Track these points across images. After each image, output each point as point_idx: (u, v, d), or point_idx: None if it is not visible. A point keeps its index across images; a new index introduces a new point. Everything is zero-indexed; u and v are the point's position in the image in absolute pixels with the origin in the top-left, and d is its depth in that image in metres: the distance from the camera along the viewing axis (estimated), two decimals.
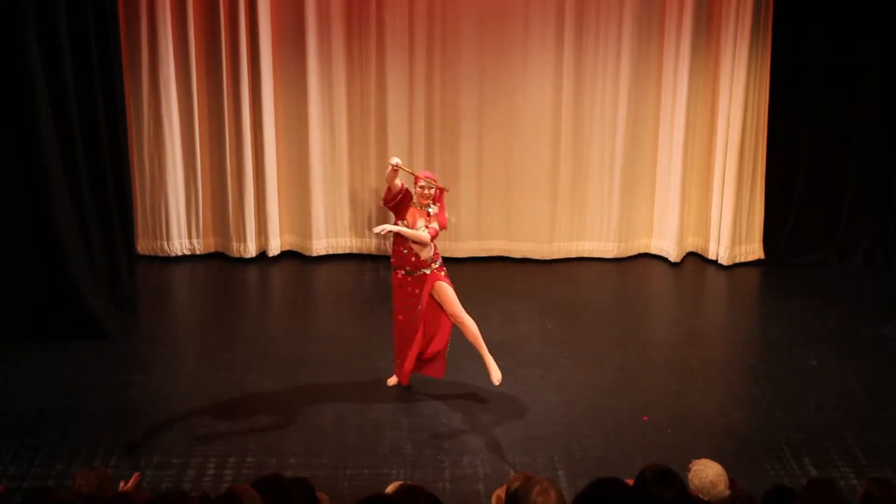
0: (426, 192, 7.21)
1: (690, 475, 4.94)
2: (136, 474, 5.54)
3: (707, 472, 4.92)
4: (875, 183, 10.35)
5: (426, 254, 7.24)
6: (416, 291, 7.29)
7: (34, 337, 8.28)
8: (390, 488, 4.79)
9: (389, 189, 7.21)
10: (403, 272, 7.30)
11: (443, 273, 7.35)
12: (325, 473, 6.52)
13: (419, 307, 7.31)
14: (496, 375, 7.27)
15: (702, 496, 4.88)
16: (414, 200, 7.26)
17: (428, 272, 7.28)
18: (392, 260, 7.37)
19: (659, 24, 10.03)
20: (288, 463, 6.67)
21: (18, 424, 7.13)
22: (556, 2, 9.92)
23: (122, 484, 5.37)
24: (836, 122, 10.20)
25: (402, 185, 7.24)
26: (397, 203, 7.24)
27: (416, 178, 7.23)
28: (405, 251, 7.23)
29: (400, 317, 7.39)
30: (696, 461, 5.01)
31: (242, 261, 10.32)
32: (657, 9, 9.99)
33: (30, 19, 7.80)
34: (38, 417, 7.22)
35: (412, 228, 7.18)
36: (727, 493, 4.91)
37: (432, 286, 7.29)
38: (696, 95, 10.07)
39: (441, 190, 7.29)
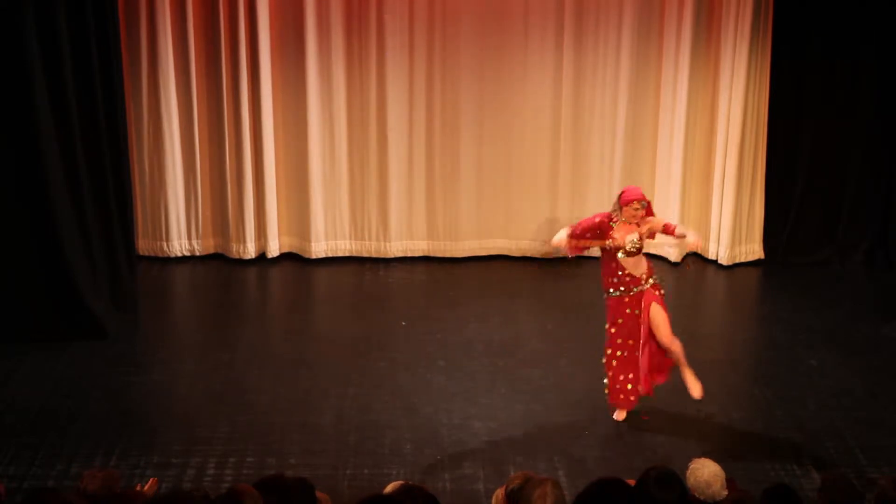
0: (639, 211, 6.90)
1: (688, 473, 4.95)
2: (153, 479, 5.49)
3: (703, 472, 4.92)
4: (875, 183, 10.34)
5: (639, 271, 6.99)
6: (636, 312, 7.00)
7: (34, 337, 8.27)
8: (390, 488, 4.79)
9: (583, 238, 6.99)
10: (619, 293, 7.01)
11: (658, 293, 7.05)
12: (325, 473, 6.51)
13: (640, 324, 7.00)
14: (696, 391, 7.05)
15: (697, 495, 4.89)
16: (619, 219, 6.94)
17: (644, 289, 6.99)
18: (605, 285, 7.07)
19: (659, 23, 10.02)
20: (288, 463, 6.66)
21: (18, 424, 7.12)
22: (556, 2, 9.93)
23: (139, 486, 5.37)
24: (836, 122, 10.18)
25: (594, 218, 7.02)
26: (594, 236, 6.99)
27: (626, 200, 6.88)
28: (620, 272, 6.96)
29: (619, 340, 7.08)
30: (695, 460, 5.02)
31: (242, 262, 10.30)
32: (657, 9, 9.98)
33: (30, 20, 7.80)
34: (38, 417, 7.22)
35: (622, 244, 6.89)
36: (724, 493, 4.91)
37: (650, 303, 6.99)
38: (696, 95, 10.06)
39: (649, 203, 7.01)
